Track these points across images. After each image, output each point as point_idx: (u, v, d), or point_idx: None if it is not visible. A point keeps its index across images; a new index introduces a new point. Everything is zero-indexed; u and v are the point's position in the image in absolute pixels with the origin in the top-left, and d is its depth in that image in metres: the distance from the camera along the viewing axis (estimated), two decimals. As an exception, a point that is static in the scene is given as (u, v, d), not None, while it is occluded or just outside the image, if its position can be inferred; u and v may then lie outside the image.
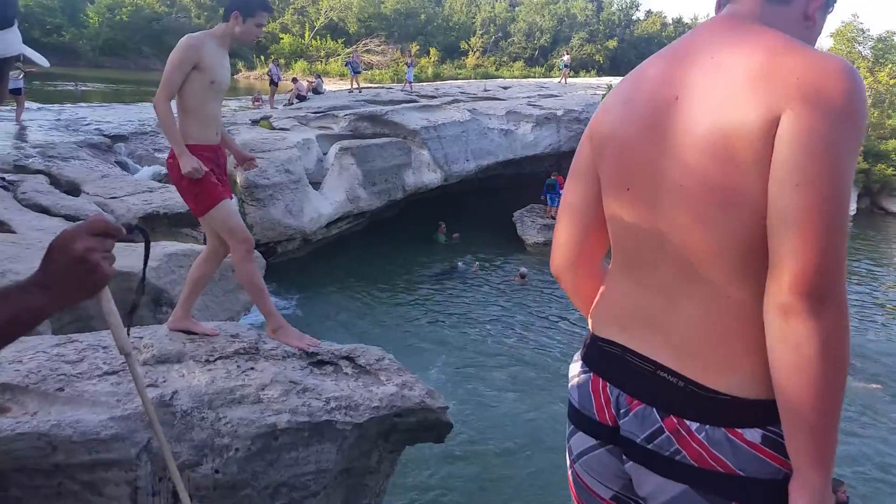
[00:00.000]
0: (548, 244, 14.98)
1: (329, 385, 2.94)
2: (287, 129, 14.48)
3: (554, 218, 15.82)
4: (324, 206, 12.75)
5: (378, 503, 3.22)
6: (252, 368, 2.90)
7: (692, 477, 1.11)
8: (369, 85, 29.10)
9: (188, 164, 2.98)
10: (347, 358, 3.19)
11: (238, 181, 10.67)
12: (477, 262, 14.30)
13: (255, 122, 14.85)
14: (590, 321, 1.35)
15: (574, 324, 11.18)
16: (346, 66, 23.35)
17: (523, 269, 13.31)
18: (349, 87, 22.72)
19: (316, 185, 13.01)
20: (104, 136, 11.92)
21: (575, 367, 1.35)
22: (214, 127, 3.18)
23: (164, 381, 2.76)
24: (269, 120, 15.27)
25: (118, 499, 2.58)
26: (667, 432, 1.13)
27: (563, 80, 27.19)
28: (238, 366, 2.91)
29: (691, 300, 1.13)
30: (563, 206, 1.40)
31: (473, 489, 6.21)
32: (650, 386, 1.16)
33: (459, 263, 14.04)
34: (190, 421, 2.62)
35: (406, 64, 26.88)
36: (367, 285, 12.18)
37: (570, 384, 1.35)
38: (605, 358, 1.26)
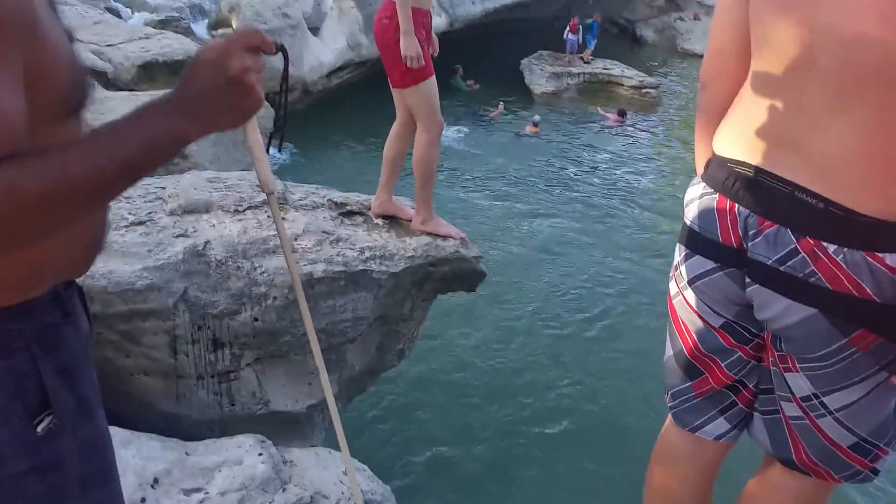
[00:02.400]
0: (556, 94, 14.75)
1: (362, 235, 2.88)
2: (282, -30, 13.57)
3: (571, 64, 15.34)
4: (324, 53, 12.22)
5: (410, 348, 3.27)
6: (284, 219, 2.82)
7: (823, 300, 1.08)
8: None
9: (412, 48, 2.62)
10: (377, 207, 3.11)
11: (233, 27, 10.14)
12: (501, 102, 13.88)
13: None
14: (715, 141, 1.27)
15: (592, 175, 11.05)
16: None
17: (536, 118, 12.96)
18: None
19: (315, 30, 12.40)
20: (90, -22, 11.17)
21: (695, 190, 1.28)
22: None
23: (195, 231, 2.69)
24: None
25: (157, 347, 2.59)
26: (802, 253, 1.08)
27: None
28: (269, 216, 2.83)
29: (841, 123, 1.05)
30: (718, 17, 1.30)
31: (497, 334, 6.39)
32: (786, 207, 1.10)
33: (475, 111, 13.69)
34: (226, 270, 2.58)
35: None
36: (374, 135, 11.90)
37: (688, 207, 1.29)
38: (734, 178, 1.18)
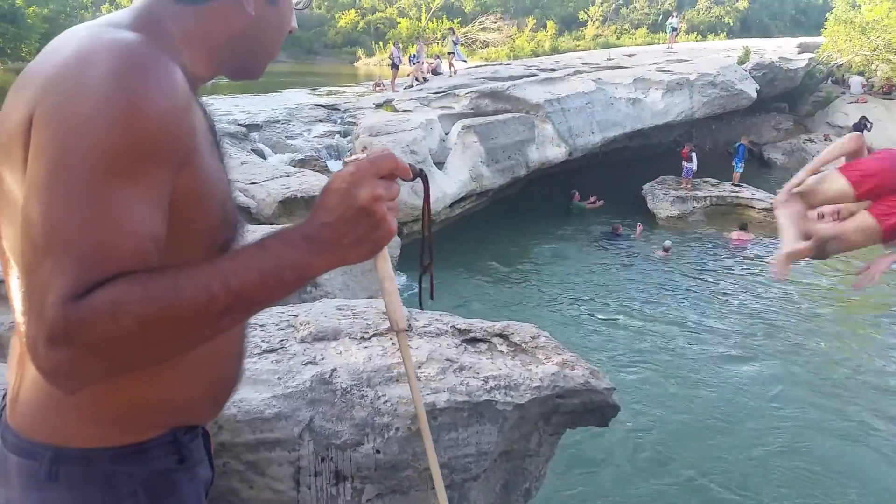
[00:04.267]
0: (682, 217, 14.49)
1: (486, 363, 2.80)
2: (410, 111, 14.55)
3: (687, 189, 15.17)
4: (448, 185, 12.73)
5: (538, 487, 3.06)
6: (408, 346, 2.80)
7: None
8: (482, 63, 28.71)
9: None
10: (501, 335, 3.04)
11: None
12: (640, 224, 13.86)
13: (378, 106, 15.03)
14: None
15: (726, 302, 10.53)
16: (453, 45, 21.66)
17: (667, 242, 12.73)
18: (448, 69, 20.38)
19: (439, 164, 13.01)
20: (240, 125, 12.43)
21: None
22: None
23: (323, 359, 2.71)
24: (391, 103, 15.42)
25: (281, 479, 2.57)
26: None
27: (671, 44, 25.58)
28: (393, 343, 2.82)
29: None
30: None
31: (630, 470, 5.97)
32: None
33: (620, 225, 13.67)
34: (350, 399, 2.56)
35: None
36: (496, 262, 12.05)
37: None
38: None
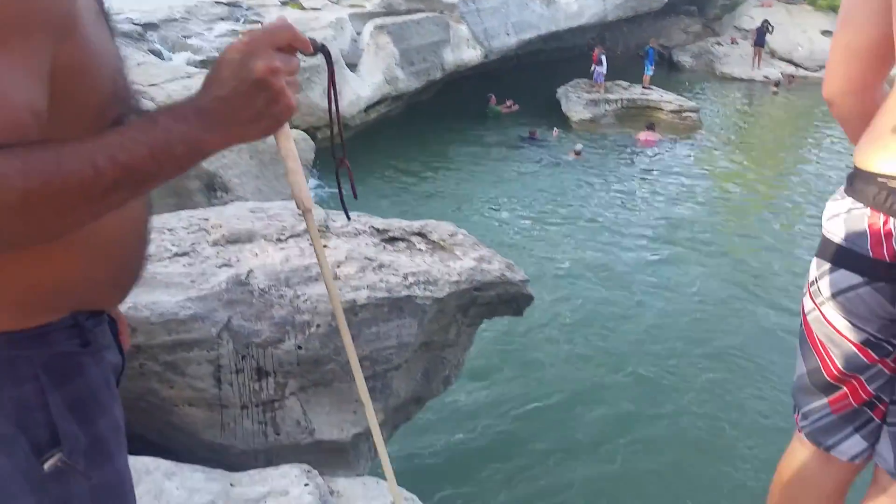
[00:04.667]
0: (594, 120, 14.72)
1: (405, 261, 2.84)
2: (318, 9, 13.89)
3: (599, 92, 15.36)
4: (361, 88, 12.39)
5: (457, 374, 3.20)
6: (325, 246, 2.80)
7: None
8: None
9: None
10: (419, 234, 3.07)
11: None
12: (556, 128, 14.03)
13: (284, 3, 14.28)
14: (860, 156, 1.25)
15: (635, 200, 10.99)
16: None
17: (578, 145, 12.96)
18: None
19: (352, 67, 12.60)
20: (135, 24, 11.56)
21: (839, 205, 1.26)
22: None
23: (238, 261, 2.68)
24: (298, 1, 14.66)
25: (201, 377, 2.57)
26: None
27: None
28: (311, 244, 2.81)
29: None
30: (844, 20, 1.30)
31: (543, 358, 6.28)
32: None
33: (537, 130, 13.80)
34: (268, 299, 2.55)
35: None
36: (413, 166, 11.99)
37: (830, 222, 1.27)
38: (886, 193, 1.16)
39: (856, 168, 1.25)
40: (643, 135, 13.69)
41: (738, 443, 5.18)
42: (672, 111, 14.90)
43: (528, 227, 9.77)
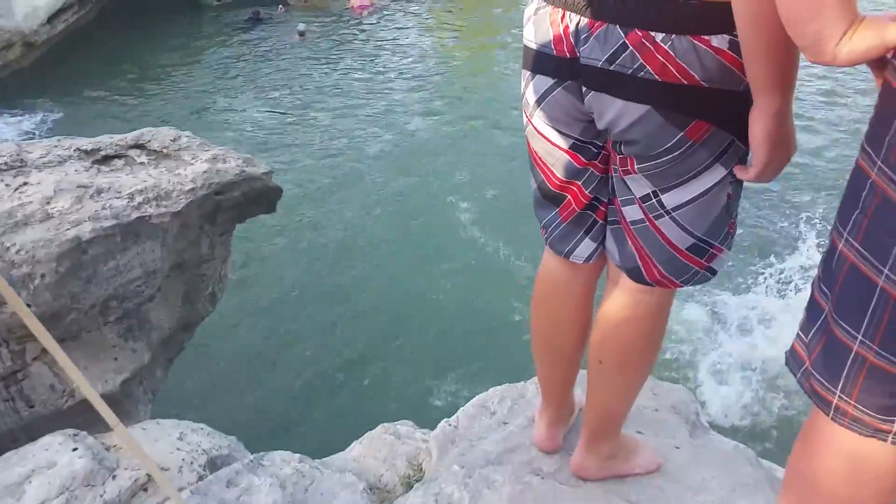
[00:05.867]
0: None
1: (127, 180, 2.52)
2: None
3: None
4: (36, -5, 10.58)
5: (222, 289, 3.01)
6: (26, 183, 2.39)
7: (655, 94, 1.06)
8: None
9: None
10: (137, 146, 2.73)
11: None
12: (280, 6, 13.27)
13: None
14: None
15: (370, 70, 10.93)
16: None
17: (301, 26, 12.38)
18: None
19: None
20: None
21: (530, 8, 1.21)
22: None
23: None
24: None
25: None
26: (630, 48, 1.05)
27: None
28: (6, 184, 2.37)
29: None
30: None
31: (310, 253, 6.20)
32: (613, 2, 1.05)
33: (260, 10, 12.89)
34: (-32, 259, 2.15)
35: None
36: (121, 78, 10.64)
37: (525, 27, 1.22)
38: None
39: None
40: (354, 1, 13.42)
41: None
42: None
43: (265, 118, 9.37)
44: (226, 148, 2.83)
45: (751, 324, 5.45)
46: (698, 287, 5.14)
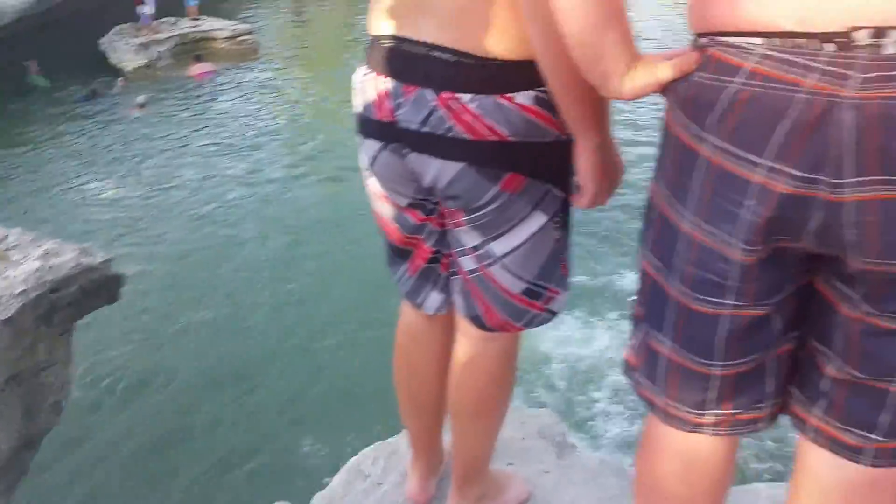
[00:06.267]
0: (150, 65, 13.61)
1: (-57, 291, 2.31)
2: None
3: (147, 34, 14.18)
4: None
5: (66, 395, 2.80)
6: None
7: (468, 152, 1.12)
8: None
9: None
10: (-46, 253, 2.52)
11: None
12: (121, 78, 12.83)
13: None
14: (368, 26, 1.25)
15: (217, 138, 10.80)
16: None
17: (141, 98, 11.97)
18: None
19: None
20: None
21: (357, 75, 1.25)
22: None
23: None
24: None
25: None
26: (441, 109, 1.10)
27: None
28: None
29: None
30: None
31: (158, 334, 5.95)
32: (422, 67, 1.12)
33: (96, 87, 12.41)
34: None
35: None
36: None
37: (354, 95, 1.26)
38: (380, 53, 1.18)
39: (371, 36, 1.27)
40: (195, 69, 13.26)
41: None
42: (227, 38, 14.62)
43: (107, 200, 8.96)
44: (58, 240, 2.67)
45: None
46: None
